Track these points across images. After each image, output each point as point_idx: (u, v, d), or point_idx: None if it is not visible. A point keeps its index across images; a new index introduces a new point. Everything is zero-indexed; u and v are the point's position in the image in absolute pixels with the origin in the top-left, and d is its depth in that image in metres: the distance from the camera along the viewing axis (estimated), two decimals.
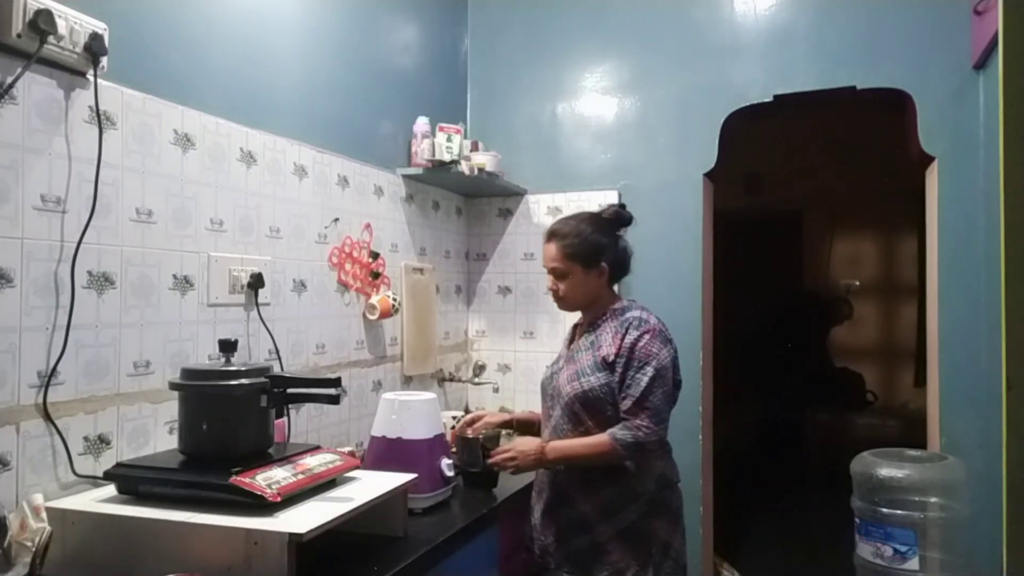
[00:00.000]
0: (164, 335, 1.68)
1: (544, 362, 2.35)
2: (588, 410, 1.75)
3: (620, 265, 1.89)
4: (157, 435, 1.66)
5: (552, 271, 1.85)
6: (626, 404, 1.71)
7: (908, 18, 2.48)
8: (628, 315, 1.80)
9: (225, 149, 1.86)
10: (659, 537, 1.76)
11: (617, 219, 1.89)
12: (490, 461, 1.82)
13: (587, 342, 1.83)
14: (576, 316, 1.98)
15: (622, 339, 1.75)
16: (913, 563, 2.13)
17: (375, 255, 2.44)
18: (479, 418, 2.00)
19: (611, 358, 1.75)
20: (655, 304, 2.23)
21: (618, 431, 1.69)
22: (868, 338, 5.53)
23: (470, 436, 1.93)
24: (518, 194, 3.02)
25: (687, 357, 2.74)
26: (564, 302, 1.87)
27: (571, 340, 1.94)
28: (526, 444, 1.78)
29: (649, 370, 1.71)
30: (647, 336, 1.74)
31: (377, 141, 2.53)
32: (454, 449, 1.95)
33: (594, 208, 2.90)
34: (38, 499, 1.34)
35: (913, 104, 2.45)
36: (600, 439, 1.70)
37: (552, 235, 1.85)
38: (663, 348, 1.75)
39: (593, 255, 1.82)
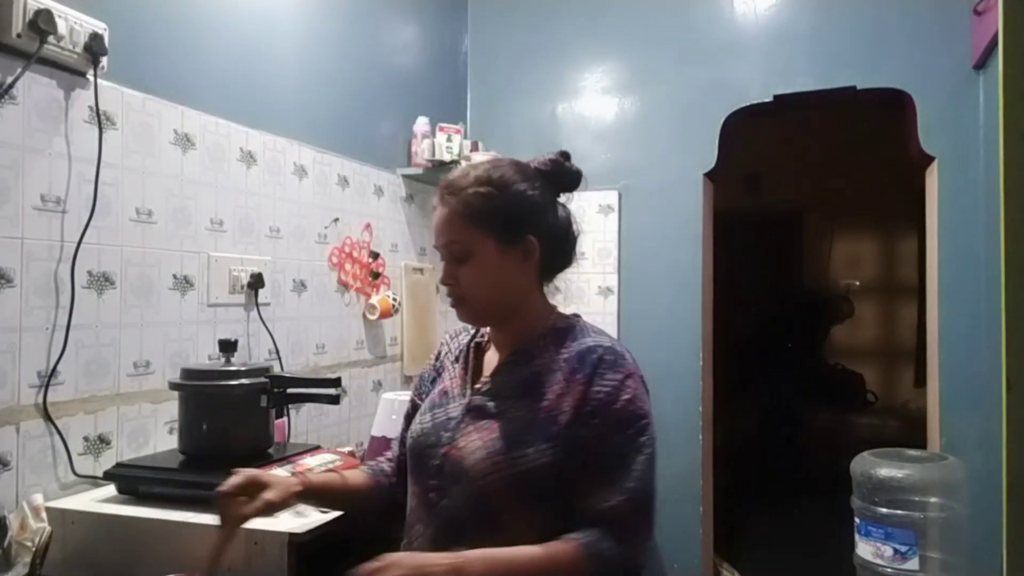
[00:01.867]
0: (164, 335, 1.68)
1: None
2: (520, 501, 1.05)
3: (559, 248, 1.18)
4: (157, 435, 1.66)
5: (447, 251, 1.14)
6: (612, 501, 1.03)
7: (908, 18, 2.48)
8: (588, 342, 1.11)
9: (225, 149, 1.86)
10: None
11: (557, 174, 1.18)
12: None
13: (511, 382, 1.12)
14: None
15: (586, 385, 1.06)
16: (913, 563, 2.13)
17: (375, 255, 2.44)
18: (254, 484, 1.08)
19: (565, 419, 1.05)
20: (655, 304, 2.23)
21: (597, 540, 1.01)
22: (868, 338, 5.52)
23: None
24: None
25: (687, 357, 2.77)
26: (467, 306, 1.15)
27: (474, 371, 1.19)
28: (407, 559, 0.99)
29: (644, 443, 1.06)
30: (630, 384, 1.07)
31: (377, 141, 2.53)
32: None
33: (594, 208, 2.94)
34: (38, 499, 1.35)
35: (913, 104, 2.45)
36: (561, 552, 1.00)
37: (445, 190, 1.14)
38: (647, 402, 1.10)
39: (516, 219, 1.11)
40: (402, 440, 1.24)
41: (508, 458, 1.04)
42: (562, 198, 1.21)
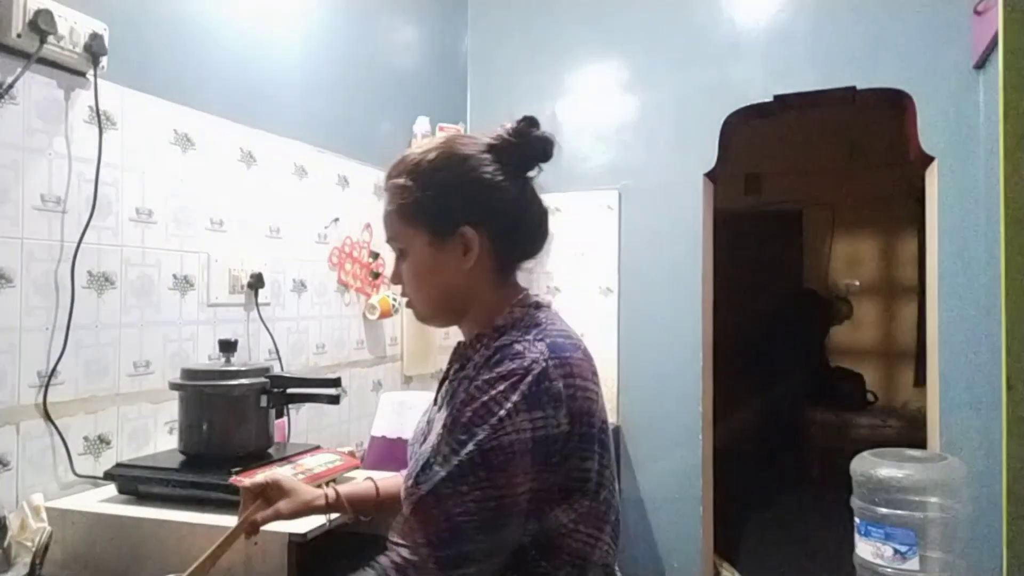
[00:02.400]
0: (164, 335, 1.68)
1: None
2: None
3: (515, 233, 1.01)
4: (157, 435, 1.65)
5: (391, 247, 1.06)
6: (406, 507, 0.91)
7: (908, 18, 2.48)
8: (507, 338, 0.94)
9: (225, 149, 1.86)
10: None
11: (516, 145, 1.01)
12: None
13: (448, 391, 1.01)
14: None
15: (471, 381, 0.92)
16: (913, 563, 2.13)
17: (375, 255, 2.44)
18: (275, 489, 1.06)
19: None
20: (655, 304, 2.22)
21: (382, 562, 0.89)
22: (868, 338, 5.52)
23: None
24: None
25: (687, 357, 2.78)
26: (412, 306, 1.05)
27: (444, 378, 1.08)
28: None
29: (479, 456, 0.85)
30: (504, 389, 0.87)
31: (377, 141, 2.53)
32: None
33: (594, 207, 2.95)
34: (38, 499, 1.34)
35: (913, 104, 2.45)
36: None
37: (384, 183, 1.06)
38: (531, 411, 0.86)
39: (447, 207, 0.98)
40: None
41: (413, 484, 0.90)
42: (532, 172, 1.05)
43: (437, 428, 0.94)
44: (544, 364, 0.89)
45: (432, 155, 0.99)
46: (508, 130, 1.01)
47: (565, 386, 0.89)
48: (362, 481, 1.19)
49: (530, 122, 1.01)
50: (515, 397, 0.86)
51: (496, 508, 0.85)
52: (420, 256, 0.99)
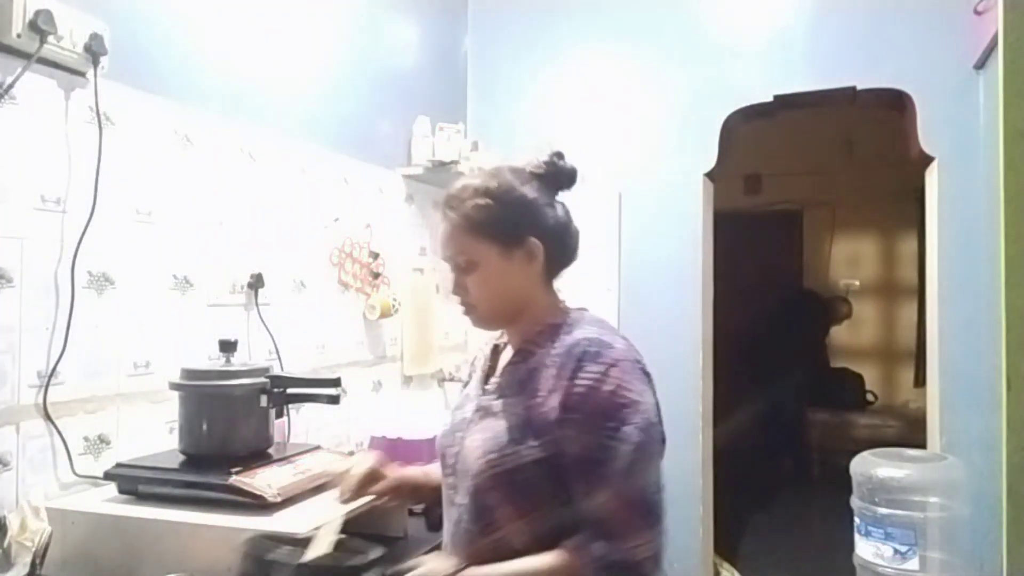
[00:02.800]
0: (164, 335, 1.68)
1: None
2: (510, 501, 1.06)
3: (562, 244, 1.19)
4: (157, 435, 1.65)
5: (453, 263, 1.17)
6: (599, 498, 1.00)
7: (908, 18, 2.48)
8: (575, 336, 1.10)
9: (225, 148, 1.86)
10: None
11: (552, 174, 1.18)
12: None
13: (512, 381, 1.14)
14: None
15: (570, 380, 1.04)
16: (913, 563, 2.13)
17: (375, 255, 2.44)
18: (372, 477, 1.23)
19: (554, 415, 1.04)
20: (655, 305, 2.22)
21: (593, 543, 0.99)
22: (868, 338, 5.53)
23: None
24: None
25: (687, 357, 2.78)
26: (476, 313, 1.17)
27: (486, 373, 1.22)
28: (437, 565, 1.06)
29: (630, 433, 1.01)
30: (613, 373, 1.03)
31: (377, 141, 2.53)
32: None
33: (593, 207, 2.94)
34: (38, 499, 1.34)
35: (913, 104, 2.45)
36: (557, 562, 1.00)
37: (446, 205, 1.16)
38: (644, 391, 1.06)
39: (516, 224, 1.14)
40: None
41: (499, 455, 1.06)
42: (561, 196, 1.22)
43: (509, 417, 1.08)
44: (628, 347, 1.10)
45: (494, 181, 1.14)
46: (542, 162, 1.18)
47: (645, 365, 1.11)
48: (414, 469, 1.33)
49: (559, 155, 1.19)
50: (634, 379, 1.05)
51: (657, 470, 1.05)
52: (491, 266, 1.13)
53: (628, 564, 0.99)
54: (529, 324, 1.16)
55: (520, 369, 1.13)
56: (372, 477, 1.22)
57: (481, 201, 1.12)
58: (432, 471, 1.30)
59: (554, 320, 1.16)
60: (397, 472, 1.28)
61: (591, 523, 1.00)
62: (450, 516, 1.16)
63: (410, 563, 1.05)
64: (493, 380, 1.18)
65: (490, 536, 1.06)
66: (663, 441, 1.09)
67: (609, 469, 1.00)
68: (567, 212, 1.22)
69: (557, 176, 1.19)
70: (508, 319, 1.18)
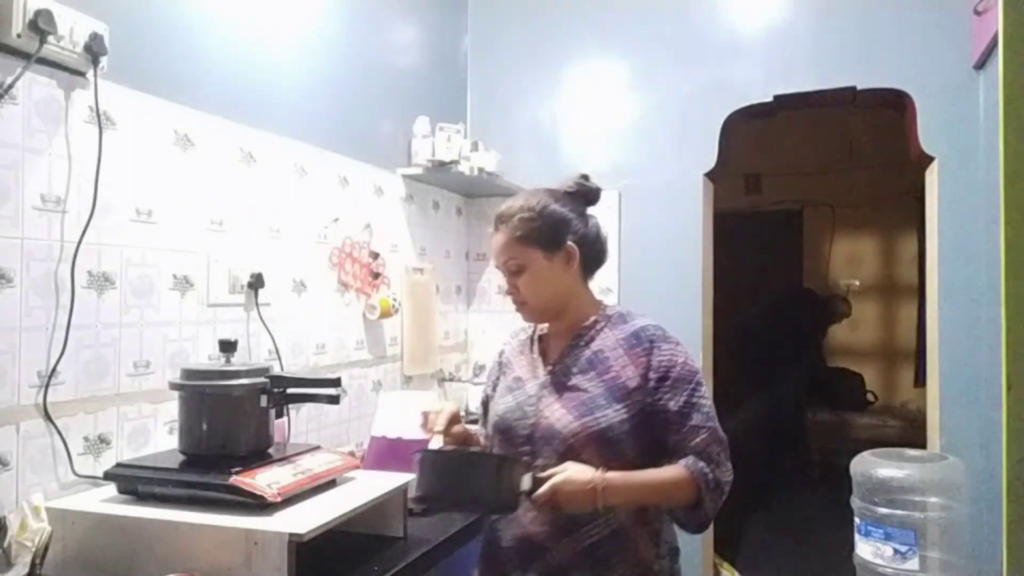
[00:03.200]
0: (164, 335, 1.68)
1: None
2: (604, 456, 1.28)
3: (594, 248, 1.44)
4: (157, 435, 1.66)
5: (505, 268, 1.40)
6: (698, 437, 1.30)
7: (908, 18, 2.48)
8: (638, 324, 1.39)
9: (225, 149, 1.86)
10: None
11: (581, 192, 1.45)
12: (539, 494, 1.22)
13: (578, 361, 1.37)
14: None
15: (648, 357, 1.34)
16: (913, 563, 2.14)
17: (375, 255, 2.44)
18: (455, 419, 1.43)
19: (633, 383, 1.32)
20: (655, 304, 2.21)
21: (695, 463, 1.29)
22: (868, 338, 5.53)
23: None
24: None
25: None
26: (528, 308, 1.41)
27: (544, 358, 1.44)
28: (580, 474, 1.24)
29: (704, 393, 1.35)
30: (681, 351, 1.37)
31: (377, 141, 2.53)
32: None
33: (593, 207, 2.92)
34: (38, 499, 1.34)
35: (913, 104, 2.45)
36: (676, 473, 1.28)
37: (498, 221, 1.41)
38: (695, 363, 1.39)
39: (554, 232, 1.38)
40: (484, 423, 1.52)
41: (592, 419, 1.31)
42: (590, 210, 1.47)
43: (592, 389, 1.33)
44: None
45: (535, 199, 1.40)
46: (572, 183, 1.45)
47: None
48: (473, 427, 1.55)
49: (585, 177, 1.47)
50: (689, 354, 1.38)
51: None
52: (538, 268, 1.38)
53: (719, 483, 1.30)
54: (576, 315, 1.42)
55: (584, 351, 1.38)
56: (455, 419, 1.41)
57: (525, 215, 1.37)
58: (478, 434, 1.53)
59: (607, 312, 1.43)
60: (464, 425, 1.47)
61: (696, 454, 1.29)
62: None
63: (553, 469, 1.25)
64: (553, 362, 1.41)
65: None
66: None
67: (703, 416, 1.32)
68: (596, 223, 1.46)
69: (585, 194, 1.45)
70: (554, 312, 1.42)
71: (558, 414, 1.33)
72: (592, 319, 1.41)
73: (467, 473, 1.24)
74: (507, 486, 1.21)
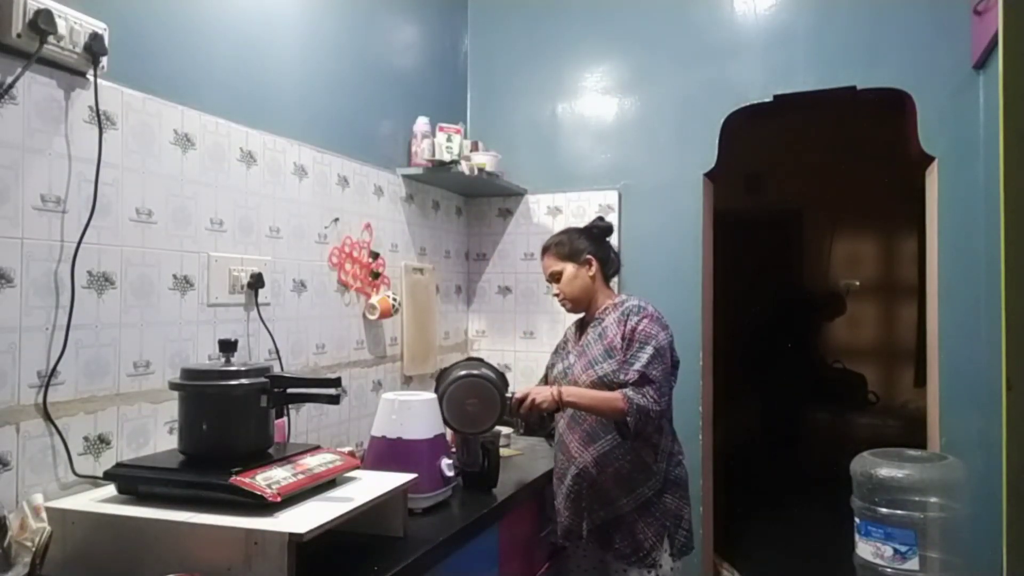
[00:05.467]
0: (164, 335, 1.68)
1: (544, 362, 2.36)
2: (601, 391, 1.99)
3: (607, 259, 2.15)
4: (157, 435, 1.66)
5: (551, 277, 2.13)
6: (631, 376, 1.90)
7: (908, 18, 2.48)
8: (627, 304, 2.03)
9: (225, 149, 1.86)
10: (672, 510, 2.03)
11: (597, 227, 2.19)
12: (514, 406, 1.95)
13: (595, 334, 2.05)
14: (574, 316, 2.22)
15: (624, 325, 1.98)
16: (913, 563, 2.14)
17: (375, 255, 2.44)
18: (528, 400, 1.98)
19: (617, 342, 1.97)
20: (655, 304, 2.24)
21: (630, 391, 1.88)
22: (868, 338, 5.52)
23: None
24: (518, 194, 3.02)
25: (687, 357, 2.74)
26: (569, 301, 2.12)
27: (579, 336, 2.15)
28: (541, 388, 1.97)
29: (649, 348, 1.92)
30: (646, 320, 1.97)
31: (377, 141, 2.53)
32: (454, 449, 1.98)
33: (594, 207, 2.95)
34: (38, 499, 1.34)
35: (913, 104, 2.45)
36: (613, 394, 1.90)
37: (544, 249, 2.17)
38: (661, 331, 1.97)
39: (578, 250, 2.11)
40: (545, 378, 2.26)
41: (594, 370, 1.99)
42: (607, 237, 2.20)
43: (596, 351, 2.01)
44: (656, 311, 2.04)
45: (565, 235, 2.16)
46: (591, 224, 2.20)
47: (666, 321, 2.05)
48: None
49: (600, 218, 2.24)
50: (656, 324, 1.99)
51: (666, 372, 1.96)
52: (570, 274, 2.10)
53: (642, 408, 1.87)
54: (599, 306, 2.11)
55: (598, 328, 2.06)
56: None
57: (562, 241, 2.14)
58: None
59: (614, 301, 2.09)
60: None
61: (632, 385, 1.90)
62: (563, 415, 2.07)
63: (522, 390, 1.97)
64: (584, 338, 2.09)
65: (592, 415, 1.99)
66: (676, 363, 2.03)
67: (640, 360, 1.92)
68: (610, 245, 2.20)
69: (600, 229, 2.19)
70: (584, 304, 2.13)
71: (577, 369, 2.05)
72: (604, 307, 2.09)
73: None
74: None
